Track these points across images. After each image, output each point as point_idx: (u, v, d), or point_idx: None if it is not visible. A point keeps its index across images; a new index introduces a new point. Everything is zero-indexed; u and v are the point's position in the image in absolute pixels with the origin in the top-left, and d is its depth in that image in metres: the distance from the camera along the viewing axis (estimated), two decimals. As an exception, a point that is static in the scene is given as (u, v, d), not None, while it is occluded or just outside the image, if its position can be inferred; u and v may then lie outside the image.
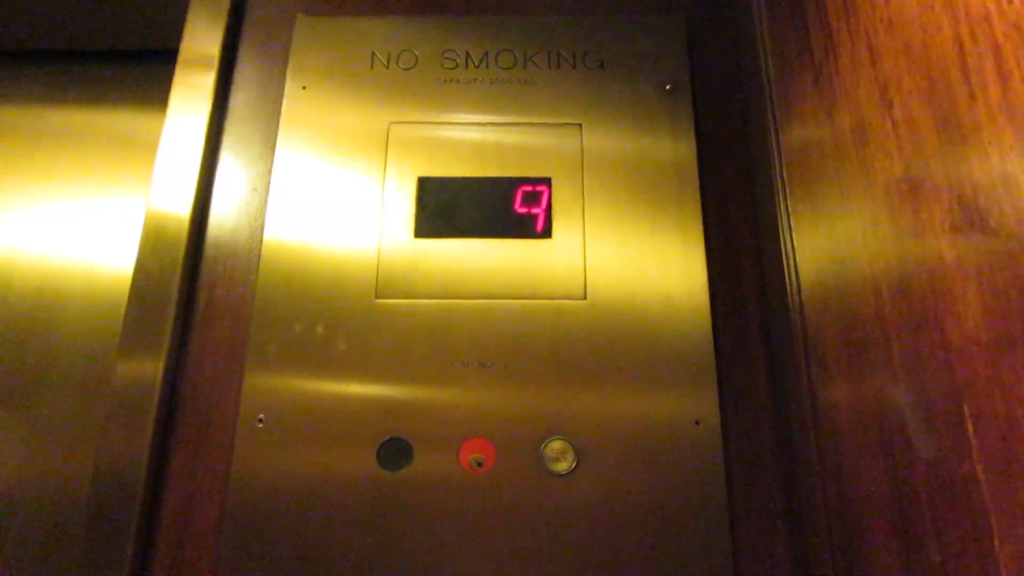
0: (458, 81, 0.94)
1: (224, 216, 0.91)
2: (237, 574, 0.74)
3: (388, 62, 0.95)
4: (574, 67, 0.94)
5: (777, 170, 0.81)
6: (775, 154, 0.82)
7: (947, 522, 0.48)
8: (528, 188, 0.88)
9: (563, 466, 0.77)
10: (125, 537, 0.75)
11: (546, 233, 0.86)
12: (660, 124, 0.91)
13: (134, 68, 1.13)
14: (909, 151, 0.53)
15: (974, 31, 0.45)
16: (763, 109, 0.86)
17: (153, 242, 0.86)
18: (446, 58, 0.95)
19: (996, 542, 0.43)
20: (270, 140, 0.93)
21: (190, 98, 0.93)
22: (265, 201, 0.90)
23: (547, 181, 0.88)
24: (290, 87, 0.94)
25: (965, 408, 0.46)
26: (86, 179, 1.07)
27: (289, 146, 0.91)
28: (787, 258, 0.79)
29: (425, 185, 0.88)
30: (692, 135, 0.90)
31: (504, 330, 0.82)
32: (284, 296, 0.84)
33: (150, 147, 0.95)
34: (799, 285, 0.76)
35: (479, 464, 0.77)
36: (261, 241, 0.87)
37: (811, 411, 0.72)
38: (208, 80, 0.94)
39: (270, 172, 0.90)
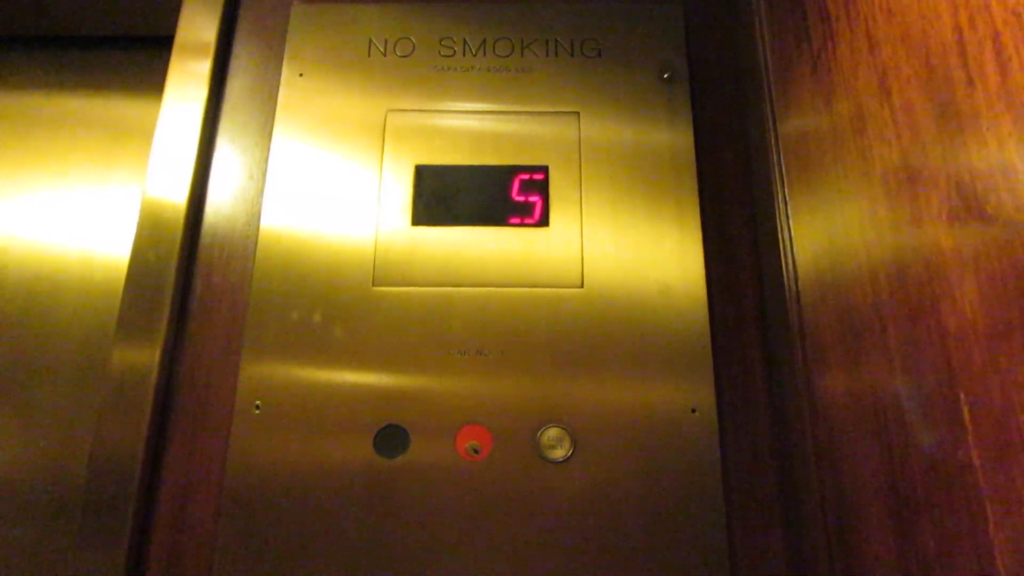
0: (455, 69, 0.93)
1: (221, 204, 0.90)
2: (234, 559, 0.74)
3: (385, 49, 0.94)
4: (572, 55, 0.94)
5: (775, 158, 0.81)
6: (773, 142, 0.82)
7: (943, 509, 0.48)
8: (525, 176, 0.88)
9: (559, 453, 0.77)
10: (122, 523, 0.75)
11: (543, 221, 0.86)
12: (658, 112, 0.91)
13: (130, 54, 1.13)
14: (907, 139, 0.53)
15: (973, 18, 0.45)
16: (761, 97, 0.85)
17: (150, 229, 0.86)
18: (443, 46, 0.95)
19: (991, 528, 0.43)
20: (267, 128, 0.93)
21: (186, 85, 0.92)
22: (262, 189, 0.90)
23: (544, 169, 0.88)
24: (287, 74, 0.93)
25: (961, 395, 0.46)
26: (82, 166, 1.06)
27: (286, 134, 0.90)
28: (784, 246, 0.79)
29: (422, 173, 0.88)
30: (690, 123, 0.90)
31: (501, 318, 0.82)
32: (281, 284, 0.83)
33: (146, 134, 0.94)
34: (796, 273, 0.76)
35: (476, 451, 0.78)
36: (258, 229, 0.87)
37: (807, 399, 0.72)
38: (204, 67, 0.93)
39: (267, 160, 0.90)
